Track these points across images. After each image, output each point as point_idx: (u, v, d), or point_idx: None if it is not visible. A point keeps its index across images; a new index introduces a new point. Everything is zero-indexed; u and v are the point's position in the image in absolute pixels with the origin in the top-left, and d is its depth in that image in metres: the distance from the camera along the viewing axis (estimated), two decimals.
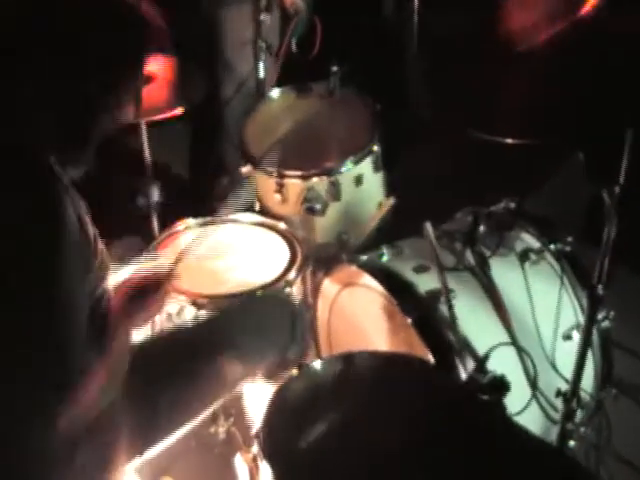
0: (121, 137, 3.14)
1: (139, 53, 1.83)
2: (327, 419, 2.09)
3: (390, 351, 2.52)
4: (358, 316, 2.78)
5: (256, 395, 2.62)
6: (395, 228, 3.10)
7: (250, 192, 3.11)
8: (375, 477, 1.92)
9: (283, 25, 3.66)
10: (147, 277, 2.07)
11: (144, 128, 3.14)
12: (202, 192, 3.58)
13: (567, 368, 2.55)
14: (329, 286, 2.86)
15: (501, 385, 2.14)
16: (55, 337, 1.66)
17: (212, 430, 2.75)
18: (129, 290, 2.00)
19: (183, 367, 2.14)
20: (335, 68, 3.22)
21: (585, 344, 2.35)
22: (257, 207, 3.16)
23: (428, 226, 2.55)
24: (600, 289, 2.24)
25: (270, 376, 2.42)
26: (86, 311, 1.74)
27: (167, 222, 2.99)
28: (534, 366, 2.45)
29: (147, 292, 2.03)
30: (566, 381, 2.55)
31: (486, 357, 2.15)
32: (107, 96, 1.79)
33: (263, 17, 3.56)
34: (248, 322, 2.31)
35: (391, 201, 3.08)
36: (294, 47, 3.58)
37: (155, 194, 3.16)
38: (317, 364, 2.25)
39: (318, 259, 2.97)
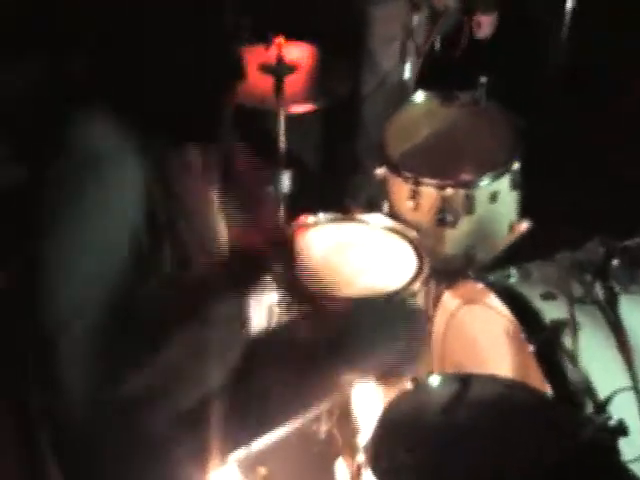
0: (259, 124, 3.19)
1: None
2: (437, 438, 2.08)
3: (509, 378, 2.46)
4: (476, 335, 2.75)
5: (363, 399, 2.61)
6: (523, 250, 3.06)
7: (383, 195, 3.12)
8: None
9: (430, 23, 3.61)
10: None
11: (282, 117, 3.15)
12: (334, 187, 3.56)
13: None
14: (450, 300, 2.83)
15: (620, 430, 2.07)
16: None
17: (314, 428, 2.75)
18: None
19: (296, 363, 2.15)
20: (483, 79, 3.16)
21: None
22: (385, 209, 3.15)
23: (563, 254, 2.50)
24: None
25: (381, 380, 2.41)
26: None
27: (295, 214, 2.98)
28: None
29: None
30: None
31: (608, 400, 2.09)
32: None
33: (413, 16, 3.52)
34: (367, 324, 2.31)
35: (525, 224, 3.03)
36: (438, 45, 3.55)
37: (286, 184, 3.15)
38: (433, 380, 2.24)
39: (443, 271, 2.94)
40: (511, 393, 2.24)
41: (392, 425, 2.08)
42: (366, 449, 2.02)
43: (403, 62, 3.53)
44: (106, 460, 1.79)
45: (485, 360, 2.70)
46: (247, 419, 2.10)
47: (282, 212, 3.17)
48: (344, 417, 2.72)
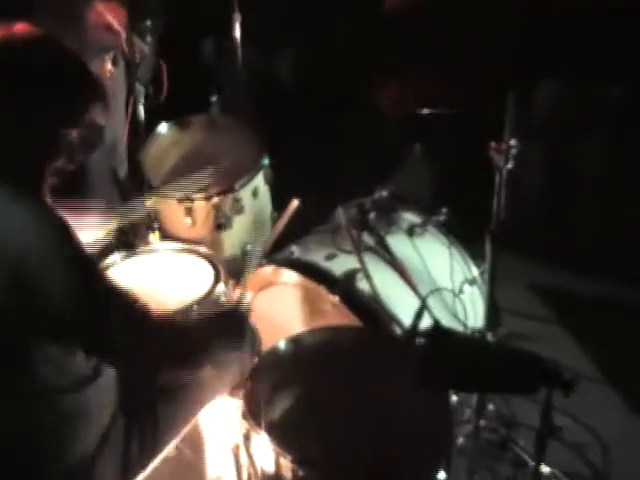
0: None
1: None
2: (296, 387, 2.41)
3: (333, 325, 2.78)
4: (278, 315, 3.03)
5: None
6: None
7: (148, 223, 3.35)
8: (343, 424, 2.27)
9: (129, 74, 3.73)
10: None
11: None
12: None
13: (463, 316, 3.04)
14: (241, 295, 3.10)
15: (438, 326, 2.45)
16: None
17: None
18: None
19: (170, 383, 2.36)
20: (214, 98, 3.53)
21: (491, 284, 2.75)
22: (155, 236, 3.37)
23: (340, 214, 2.91)
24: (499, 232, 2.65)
25: (235, 381, 2.57)
26: None
27: None
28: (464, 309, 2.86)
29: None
30: (465, 327, 3.00)
31: (423, 307, 2.48)
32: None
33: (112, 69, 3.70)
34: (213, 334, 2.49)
35: (295, 204, 3.18)
36: (143, 91, 3.73)
37: None
38: (269, 353, 2.55)
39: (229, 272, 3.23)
40: (341, 336, 2.61)
41: (259, 390, 2.36)
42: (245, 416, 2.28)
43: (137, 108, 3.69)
44: None
45: (295, 331, 2.99)
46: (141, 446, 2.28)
47: None
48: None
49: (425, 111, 2.36)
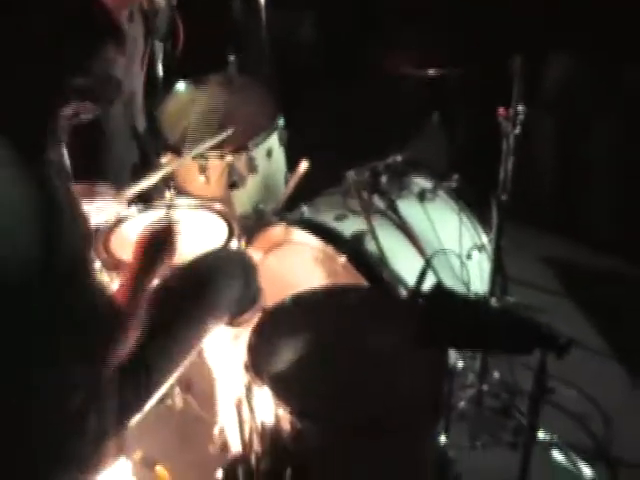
0: None
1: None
2: (300, 343, 2.44)
3: (336, 284, 2.85)
4: (288, 273, 3.07)
5: (214, 348, 2.85)
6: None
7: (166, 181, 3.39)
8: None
9: (145, 26, 3.70)
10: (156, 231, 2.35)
11: None
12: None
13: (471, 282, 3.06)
14: (252, 253, 3.10)
15: (439, 286, 2.49)
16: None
17: (169, 403, 3.00)
18: (144, 247, 2.27)
19: (170, 321, 2.38)
20: (231, 57, 3.57)
21: (496, 250, 2.77)
22: (172, 192, 3.34)
23: (351, 176, 2.94)
24: (505, 197, 2.67)
25: (234, 321, 2.65)
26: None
27: None
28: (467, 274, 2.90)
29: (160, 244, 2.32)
30: (468, 291, 3.03)
31: (427, 267, 2.52)
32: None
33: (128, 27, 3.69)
34: (214, 274, 2.58)
35: (305, 165, 3.31)
36: (160, 46, 3.72)
37: None
38: (280, 306, 2.58)
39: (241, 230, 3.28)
40: (345, 294, 2.64)
41: (261, 344, 2.41)
42: (247, 368, 2.32)
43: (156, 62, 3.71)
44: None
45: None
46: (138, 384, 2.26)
47: None
48: (195, 384, 2.97)
49: (431, 72, 2.37)
